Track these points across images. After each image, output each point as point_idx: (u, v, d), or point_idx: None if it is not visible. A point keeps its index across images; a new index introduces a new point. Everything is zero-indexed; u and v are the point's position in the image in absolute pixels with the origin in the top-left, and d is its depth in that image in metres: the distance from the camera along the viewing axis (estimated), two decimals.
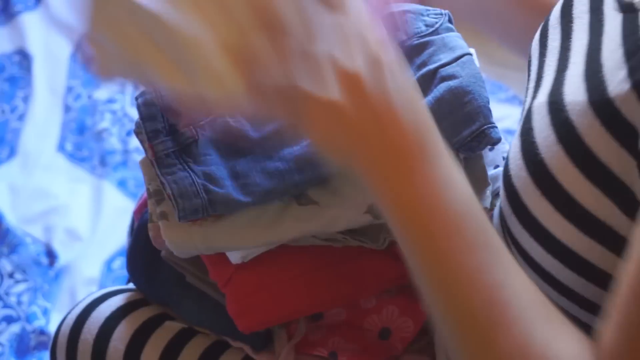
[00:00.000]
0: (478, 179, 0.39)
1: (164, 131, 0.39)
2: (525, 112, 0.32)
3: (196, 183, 0.38)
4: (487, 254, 0.26)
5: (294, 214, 0.38)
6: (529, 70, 0.37)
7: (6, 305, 0.88)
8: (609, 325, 0.24)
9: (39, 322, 0.86)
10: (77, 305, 0.50)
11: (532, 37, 0.38)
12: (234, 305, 0.41)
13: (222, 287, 0.42)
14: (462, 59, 0.40)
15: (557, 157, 0.27)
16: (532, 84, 0.35)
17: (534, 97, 0.32)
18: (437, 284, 0.27)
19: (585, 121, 0.27)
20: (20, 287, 0.90)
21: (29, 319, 0.86)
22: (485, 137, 0.38)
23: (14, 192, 1.01)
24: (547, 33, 0.35)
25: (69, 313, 0.50)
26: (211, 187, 0.38)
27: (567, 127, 0.28)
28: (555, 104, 0.29)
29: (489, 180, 0.40)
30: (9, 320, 0.87)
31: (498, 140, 0.38)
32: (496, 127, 0.39)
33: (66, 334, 0.48)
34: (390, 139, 0.25)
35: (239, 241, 0.39)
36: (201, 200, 0.37)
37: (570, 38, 0.32)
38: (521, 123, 0.32)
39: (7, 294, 0.89)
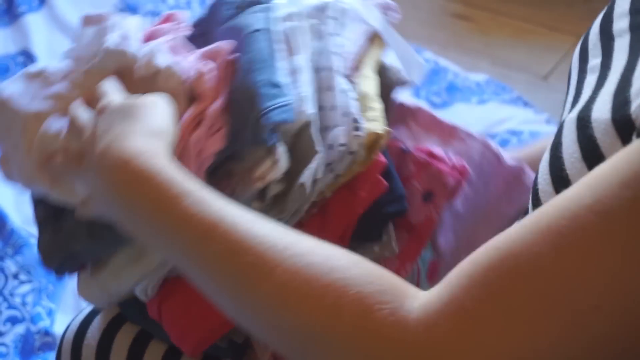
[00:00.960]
0: (304, 152, 0.38)
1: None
2: (558, 127, 0.32)
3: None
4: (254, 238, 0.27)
5: None
6: (569, 84, 0.38)
7: (11, 306, 0.88)
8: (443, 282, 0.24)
9: (44, 323, 0.85)
10: (81, 311, 0.52)
11: None
12: (173, 333, 0.41)
13: (159, 321, 0.42)
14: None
15: (581, 175, 0.25)
16: (570, 99, 0.35)
17: (569, 112, 0.32)
18: (213, 265, 0.29)
19: (608, 139, 0.26)
20: (25, 287, 0.90)
21: (34, 320, 0.86)
22: (261, 127, 0.36)
23: (19, 192, 1.01)
24: (587, 49, 0.36)
25: (73, 319, 0.51)
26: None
27: (591, 144, 0.27)
28: (583, 120, 0.28)
29: (317, 149, 0.37)
30: (14, 321, 0.87)
31: (280, 122, 0.37)
32: (274, 109, 0.36)
33: (70, 340, 0.49)
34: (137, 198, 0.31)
35: (130, 277, 0.41)
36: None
37: (612, 57, 0.32)
38: (553, 137, 0.32)
39: (11, 294, 0.89)
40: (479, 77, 1.24)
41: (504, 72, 1.28)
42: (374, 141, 0.39)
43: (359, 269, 0.25)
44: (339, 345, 0.24)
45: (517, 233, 0.23)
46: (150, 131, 0.34)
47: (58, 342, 0.52)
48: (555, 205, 0.23)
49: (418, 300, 0.24)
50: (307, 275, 0.25)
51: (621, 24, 0.33)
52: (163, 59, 0.40)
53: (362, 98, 0.41)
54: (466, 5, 1.49)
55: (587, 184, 0.23)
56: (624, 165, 0.22)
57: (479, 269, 0.23)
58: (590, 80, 0.33)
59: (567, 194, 0.23)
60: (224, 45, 0.40)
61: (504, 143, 1.05)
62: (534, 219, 0.24)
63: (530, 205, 0.33)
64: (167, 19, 0.47)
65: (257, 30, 0.40)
